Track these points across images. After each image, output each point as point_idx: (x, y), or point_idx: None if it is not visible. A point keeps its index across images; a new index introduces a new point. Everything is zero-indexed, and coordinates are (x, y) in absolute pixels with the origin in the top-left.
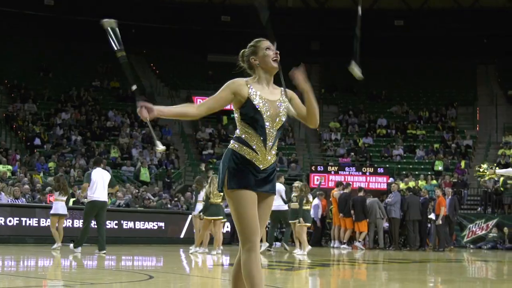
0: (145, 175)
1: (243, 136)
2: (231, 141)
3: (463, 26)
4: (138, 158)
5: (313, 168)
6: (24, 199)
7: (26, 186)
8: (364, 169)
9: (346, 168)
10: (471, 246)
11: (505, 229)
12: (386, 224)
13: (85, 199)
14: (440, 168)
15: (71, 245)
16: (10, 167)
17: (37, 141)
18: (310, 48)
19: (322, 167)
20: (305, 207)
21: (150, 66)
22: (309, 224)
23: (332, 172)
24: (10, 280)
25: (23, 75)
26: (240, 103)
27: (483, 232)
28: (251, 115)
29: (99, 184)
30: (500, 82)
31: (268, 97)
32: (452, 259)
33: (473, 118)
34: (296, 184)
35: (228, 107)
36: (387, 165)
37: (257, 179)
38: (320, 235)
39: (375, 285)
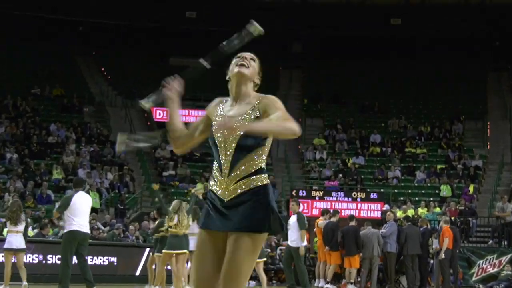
0: (94, 200)
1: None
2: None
3: (471, 26)
4: (85, 181)
5: (294, 193)
6: None
7: None
8: (354, 195)
9: (333, 193)
10: (481, 286)
11: None
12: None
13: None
14: (445, 193)
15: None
16: None
17: None
18: (291, 50)
19: (304, 191)
20: None
21: (100, 71)
22: (263, 259)
23: (317, 198)
24: None
25: None
26: (206, 122)
27: (495, 269)
28: (211, 139)
29: (81, 211)
30: None
31: (229, 113)
32: None
33: (483, 134)
34: None
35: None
36: (382, 190)
37: (219, 215)
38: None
39: None
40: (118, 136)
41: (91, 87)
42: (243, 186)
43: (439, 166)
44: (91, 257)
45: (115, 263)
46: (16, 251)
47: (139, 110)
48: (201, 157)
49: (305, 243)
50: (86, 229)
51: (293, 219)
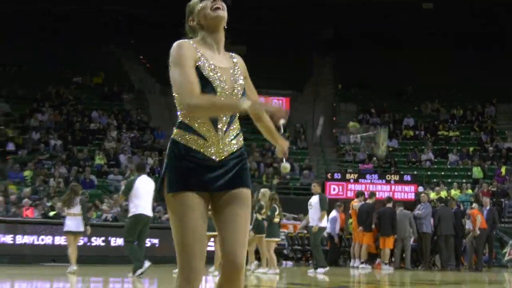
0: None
1: (187, 120)
2: (175, 129)
3: (499, 10)
4: (127, 166)
5: (329, 175)
6: None
7: (0, 198)
8: (388, 177)
9: (367, 176)
10: None
11: None
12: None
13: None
14: (477, 175)
15: (130, 274)
16: None
17: (11, 146)
18: (322, 37)
19: (339, 174)
20: (274, 220)
21: (139, 59)
22: (277, 239)
23: (351, 181)
24: None
25: None
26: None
27: None
28: (200, 87)
29: (143, 194)
30: None
31: (220, 63)
32: (492, 280)
33: None
34: (263, 191)
35: None
36: (415, 172)
37: (211, 174)
38: (337, 253)
39: None
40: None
41: (131, 75)
42: (235, 148)
43: (471, 149)
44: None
45: (157, 245)
46: (75, 234)
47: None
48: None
49: (324, 224)
50: (149, 212)
51: (314, 199)
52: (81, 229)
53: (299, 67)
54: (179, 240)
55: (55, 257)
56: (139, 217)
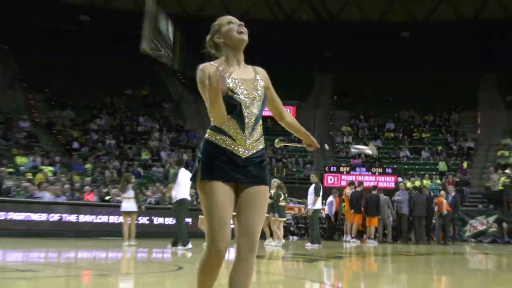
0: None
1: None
2: (208, 131)
3: (466, 37)
4: (166, 160)
5: (326, 168)
6: (64, 197)
7: (66, 186)
8: (373, 170)
9: (357, 169)
10: (472, 240)
11: (504, 225)
12: (390, 220)
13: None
14: (443, 168)
15: (169, 245)
16: (51, 168)
17: (75, 145)
18: (323, 57)
19: (335, 167)
20: (280, 204)
21: (177, 77)
22: (283, 219)
23: (344, 172)
24: (53, 270)
25: (62, 85)
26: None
27: (484, 227)
28: (224, 99)
29: (184, 184)
30: (499, 89)
31: (242, 76)
32: (455, 252)
33: (475, 122)
34: (273, 181)
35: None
36: (395, 166)
37: (238, 169)
38: (333, 230)
39: (385, 276)
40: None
41: (169, 88)
42: (259, 147)
43: (439, 147)
44: (172, 218)
45: (190, 223)
46: (128, 213)
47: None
48: None
49: (317, 207)
50: (189, 197)
51: (311, 188)
52: (134, 209)
53: (303, 81)
54: (207, 222)
55: (110, 232)
56: (183, 201)
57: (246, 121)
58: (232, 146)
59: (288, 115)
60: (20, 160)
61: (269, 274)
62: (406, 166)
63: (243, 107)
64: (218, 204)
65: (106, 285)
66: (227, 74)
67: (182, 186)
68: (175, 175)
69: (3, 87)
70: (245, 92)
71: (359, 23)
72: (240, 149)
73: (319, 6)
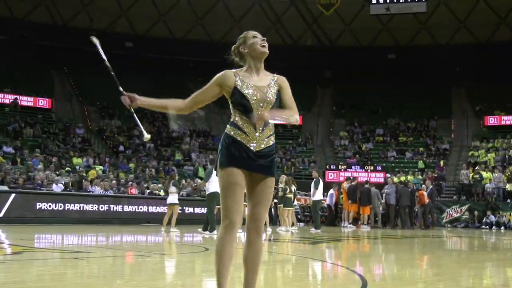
0: (201, 172)
1: (235, 120)
2: (227, 126)
3: (441, 58)
4: (196, 160)
5: (327, 166)
6: (112, 191)
7: (113, 181)
8: (366, 167)
9: (353, 167)
10: (449, 225)
11: (475, 212)
12: (380, 209)
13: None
14: (421, 166)
15: (200, 229)
16: (101, 167)
17: (121, 148)
18: (324, 76)
19: (334, 165)
20: (287, 196)
21: None
22: (291, 208)
23: (342, 170)
24: (102, 251)
25: (110, 98)
26: (229, 92)
27: (458, 214)
28: (239, 101)
29: (217, 179)
30: (469, 101)
31: (256, 83)
32: (434, 235)
33: (449, 128)
34: (283, 177)
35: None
36: (384, 164)
37: (250, 160)
38: (334, 218)
39: (376, 255)
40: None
41: None
42: (270, 142)
43: (421, 149)
44: (200, 208)
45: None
46: (172, 205)
47: (228, 115)
48: None
49: (317, 198)
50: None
51: (313, 182)
52: (177, 201)
53: (308, 95)
54: (223, 199)
55: (149, 219)
56: (214, 194)
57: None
58: (246, 140)
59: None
60: (76, 160)
61: (279, 254)
62: (393, 164)
63: (254, 108)
64: (233, 184)
65: (146, 264)
66: (246, 82)
67: (215, 181)
68: (210, 172)
69: (62, 101)
70: (255, 96)
71: (353, 47)
72: (252, 144)
73: (320, 34)
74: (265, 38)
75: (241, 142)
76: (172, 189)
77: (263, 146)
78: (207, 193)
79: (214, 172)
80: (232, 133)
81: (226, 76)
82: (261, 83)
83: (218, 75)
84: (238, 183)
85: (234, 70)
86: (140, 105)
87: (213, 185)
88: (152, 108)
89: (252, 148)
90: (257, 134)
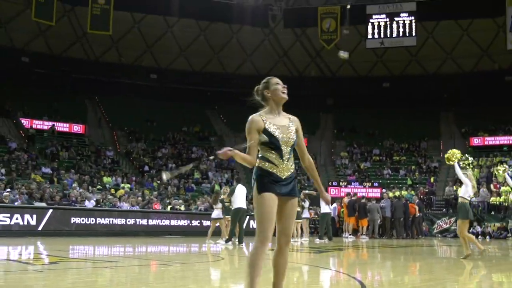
0: (216, 189)
1: (265, 155)
2: (257, 160)
3: (430, 86)
4: (213, 178)
5: (330, 183)
6: (138, 206)
7: (139, 198)
8: (364, 184)
9: (352, 183)
10: (439, 235)
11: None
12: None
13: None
14: (409, 182)
15: (224, 242)
16: (128, 185)
17: (146, 168)
18: (326, 103)
19: (336, 182)
20: (297, 209)
21: (220, 118)
22: (299, 221)
23: (343, 186)
24: (129, 260)
25: (137, 124)
26: (259, 133)
27: (447, 225)
28: (270, 140)
29: (240, 196)
30: (456, 124)
31: (280, 123)
32: (426, 244)
33: (438, 148)
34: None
35: None
36: (380, 181)
37: (280, 186)
38: (337, 229)
39: (375, 262)
40: (163, 173)
41: (215, 126)
42: (292, 170)
43: (413, 167)
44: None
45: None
46: (216, 219)
47: (243, 138)
48: None
49: (325, 210)
50: (244, 206)
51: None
52: (221, 216)
53: (312, 120)
54: (261, 220)
55: (171, 231)
56: (239, 210)
57: (284, 153)
58: (275, 170)
59: (307, 159)
60: (106, 179)
61: (289, 262)
62: (388, 181)
63: (282, 145)
64: (268, 208)
65: (168, 272)
66: (272, 123)
67: (238, 198)
68: (234, 189)
69: (94, 126)
70: (282, 135)
71: (352, 77)
72: (280, 172)
73: (323, 66)
74: (286, 86)
75: (272, 172)
76: (218, 205)
77: (288, 173)
78: (232, 208)
79: (238, 190)
80: (263, 165)
81: (258, 122)
82: (282, 123)
83: (251, 122)
84: (273, 207)
85: (259, 114)
86: (232, 154)
87: (237, 200)
88: (237, 158)
89: (281, 175)
90: (283, 165)
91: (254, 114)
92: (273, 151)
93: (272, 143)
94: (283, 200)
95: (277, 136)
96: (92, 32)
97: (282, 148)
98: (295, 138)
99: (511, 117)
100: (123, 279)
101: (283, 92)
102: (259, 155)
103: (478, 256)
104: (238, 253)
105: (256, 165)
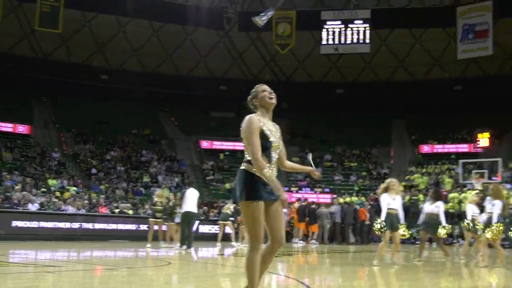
0: (167, 193)
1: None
2: (243, 164)
3: (383, 93)
4: (162, 182)
5: None
6: (84, 210)
7: (86, 201)
8: (315, 189)
9: (303, 189)
10: (389, 241)
11: (412, 230)
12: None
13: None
14: (356, 188)
15: (177, 245)
16: (75, 188)
17: (94, 171)
18: (281, 107)
19: (287, 187)
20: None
21: (171, 120)
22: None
23: (294, 191)
24: (73, 265)
25: (85, 126)
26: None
27: None
28: (264, 144)
29: (191, 200)
30: (407, 131)
31: (272, 128)
32: (373, 250)
33: (389, 155)
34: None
35: (223, 147)
36: (331, 186)
37: (267, 190)
38: (287, 235)
39: (324, 268)
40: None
41: (166, 129)
42: (276, 174)
43: (363, 173)
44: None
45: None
46: (177, 224)
47: (193, 141)
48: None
49: None
50: (194, 210)
51: None
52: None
53: None
54: (254, 226)
55: (119, 236)
56: (187, 213)
57: (272, 158)
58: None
59: (287, 163)
60: (51, 182)
61: (237, 267)
62: (339, 187)
63: (273, 150)
64: (259, 213)
65: (113, 277)
66: (267, 127)
67: (188, 201)
68: (183, 193)
69: (40, 127)
70: (274, 140)
71: (306, 82)
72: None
73: (277, 70)
74: (273, 91)
75: (260, 176)
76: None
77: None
78: (182, 212)
79: (189, 194)
80: (251, 169)
81: (258, 121)
82: (273, 129)
83: (251, 123)
84: (261, 212)
85: (255, 116)
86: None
87: (187, 204)
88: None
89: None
90: (271, 169)
91: (250, 115)
92: (263, 155)
93: (265, 147)
94: (269, 203)
95: (271, 140)
96: (40, 29)
97: (272, 152)
98: (281, 145)
99: (460, 126)
100: (66, 284)
101: (271, 98)
102: (247, 159)
103: (416, 261)
104: (186, 258)
105: (244, 168)
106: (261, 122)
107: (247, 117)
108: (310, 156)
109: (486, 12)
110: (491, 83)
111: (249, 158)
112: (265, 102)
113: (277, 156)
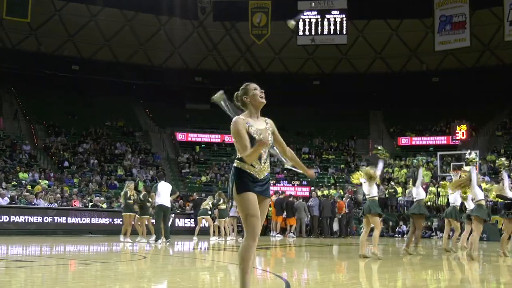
0: (141, 187)
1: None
2: (236, 161)
3: (360, 85)
4: (137, 175)
5: None
6: (56, 204)
7: (58, 195)
8: (293, 182)
9: (281, 181)
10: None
11: (389, 223)
12: (306, 219)
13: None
14: (332, 181)
15: (152, 239)
16: (47, 181)
17: (66, 164)
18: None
19: None
20: (221, 207)
21: (146, 112)
22: (224, 219)
23: (272, 185)
24: (46, 260)
25: (57, 118)
26: None
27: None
28: (250, 142)
29: (163, 193)
30: (385, 123)
31: (260, 127)
32: (352, 243)
33: (367, 147)
34: (218, 192)
35: (199, 139)
36: (309, 179)
37: (256, 186)
38: (264, 228)
39: (301, 261)
40: (219, 94)
41: (140, 121)
42: (268, 172)
43: (341, 166)
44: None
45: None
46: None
47: (168, 134)
48: (204, 161)
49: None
50: (167, 203)
51: None
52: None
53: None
54: (248, 218)
55: (92, 230)
56: (161, 207)
57: (262, 156)
58: (253, 171)
59: (289, 151)
60: (22, 175)
61: (213, 261)
62: (317, 180)
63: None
64: (254, 207)
65: (87, 271)
66: (253, 126)
67: (160, 195)
68: (155, 187)
69: (9, 119)
70: (261, 137)
71: (282, 73)
72: (258, 174)
73: (252, 61)
74: (263, 91)
75: (250, 173)
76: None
77: (264, 174)
78: (155, 205)
79: (161, 187)
80: (241, 167)
81: (243, 123)
82: (261, 127)
83: (237, 123)
84: (256, 205)
85: (241, 117)
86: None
87: (160, 197)
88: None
89: (257, 176)
90: (260, 166)
91: (236, 117)
92: None
93: (252, 145)
94: (261, 198)
95: (257, 138)
96: (8, 18)
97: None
98: (272, 141)
99: (437, 118)
100: (39, 279)
101: (261, 97)
102: (238, 156)
103: (402, 254)
104: (162, 252)
105: (236, 165)
106: (247, 123)
107: (234, 119)
108: (276, 149)
109: (463, 4)
110: (469, 75)
111: (240, 156)
112: (256, 101)
113: (268, 153)
